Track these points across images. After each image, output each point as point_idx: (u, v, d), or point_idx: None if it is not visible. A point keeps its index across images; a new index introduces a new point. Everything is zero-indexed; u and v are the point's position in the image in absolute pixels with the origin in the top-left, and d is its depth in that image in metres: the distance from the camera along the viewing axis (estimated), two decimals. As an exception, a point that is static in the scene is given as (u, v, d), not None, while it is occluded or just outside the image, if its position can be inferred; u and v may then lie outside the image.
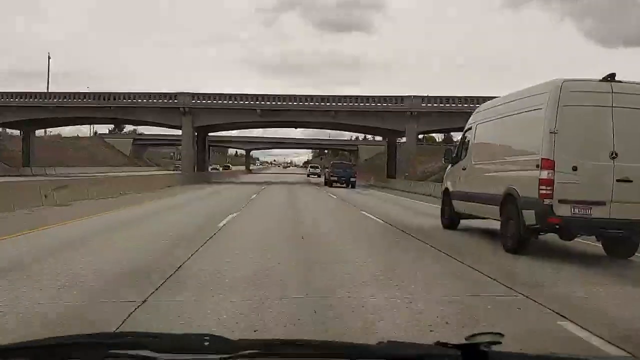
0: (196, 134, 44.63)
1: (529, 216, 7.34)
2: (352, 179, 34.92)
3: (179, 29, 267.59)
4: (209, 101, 41.75)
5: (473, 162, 9.87)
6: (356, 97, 42.07)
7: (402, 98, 40.84)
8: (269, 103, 41.12)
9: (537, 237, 7.73)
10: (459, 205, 10.42)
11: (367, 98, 41.82)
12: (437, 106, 40.09)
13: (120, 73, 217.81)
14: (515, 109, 8.37)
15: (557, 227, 7.23)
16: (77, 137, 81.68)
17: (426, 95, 41.00)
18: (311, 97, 41.96)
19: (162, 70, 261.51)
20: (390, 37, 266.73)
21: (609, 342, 3.70)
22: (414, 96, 40.69)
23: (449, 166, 11.40)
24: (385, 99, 41.39)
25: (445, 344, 1.31)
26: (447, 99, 40.40)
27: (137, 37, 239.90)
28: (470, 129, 10.42)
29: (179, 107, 40.75)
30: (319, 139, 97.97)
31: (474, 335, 1.28)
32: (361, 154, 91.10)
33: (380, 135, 57.25)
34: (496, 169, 8.81)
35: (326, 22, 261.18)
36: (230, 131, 70.03)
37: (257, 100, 41.16)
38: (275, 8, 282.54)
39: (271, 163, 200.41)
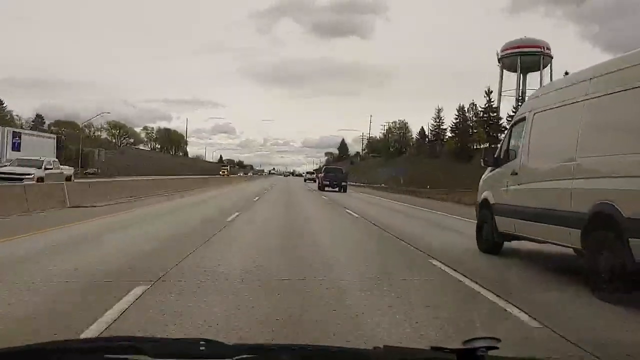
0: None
1: None
2: (343, 183, 37.26)
3: (172, 38, 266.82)
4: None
5: (530, 165, 7.39)
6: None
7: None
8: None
9: None
10: (505, 223, 7.89)
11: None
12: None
13: (115, 82, 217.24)
14: (610, 87, 5.70)
15: None
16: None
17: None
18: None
19: (157, 79, 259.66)
20: (392, 43, 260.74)
21: None
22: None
23: (488, 170, 8.91)
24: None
25: (441, 349, 1.29)
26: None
27: (129, 48, 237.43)
28: (522, 120, 7.89)
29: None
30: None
31: (470, 340, 1.26)
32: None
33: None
34: (572, 174, 6.22)
35: (324, 28, 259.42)
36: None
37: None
38: (270, 13, 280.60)
39: (269, 172, 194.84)
